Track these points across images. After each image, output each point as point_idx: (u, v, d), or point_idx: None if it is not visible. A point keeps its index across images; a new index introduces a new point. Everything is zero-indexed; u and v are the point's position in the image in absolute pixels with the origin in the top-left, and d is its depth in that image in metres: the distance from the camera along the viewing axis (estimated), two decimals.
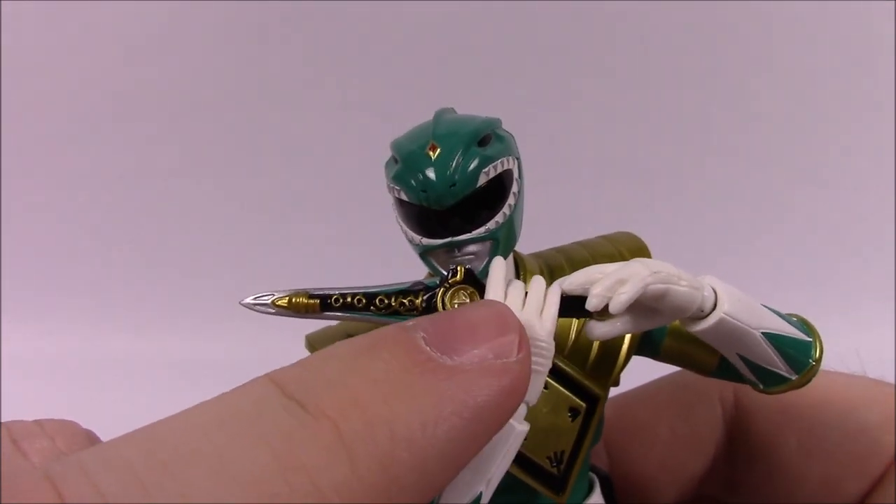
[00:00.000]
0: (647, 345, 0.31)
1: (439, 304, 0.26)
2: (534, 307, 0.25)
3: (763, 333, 0.27)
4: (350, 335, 0.29)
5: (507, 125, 0.29)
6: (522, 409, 0.24)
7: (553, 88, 0.84)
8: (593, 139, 0.86)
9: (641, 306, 0.25)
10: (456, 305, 0.26)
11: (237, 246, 0.90)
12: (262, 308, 0.27)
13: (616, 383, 0.31)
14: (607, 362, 0.30)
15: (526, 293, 0.25)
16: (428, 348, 0.21)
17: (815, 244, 0.86)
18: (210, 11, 0.85)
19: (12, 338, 0.87)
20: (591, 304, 0.25)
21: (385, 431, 0.19)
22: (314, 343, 0.30)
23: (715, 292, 0.26)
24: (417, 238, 0.27)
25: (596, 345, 0.30)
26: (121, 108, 0.88)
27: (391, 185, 0.27)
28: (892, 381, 0.35)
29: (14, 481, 0.17)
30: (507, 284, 0.26)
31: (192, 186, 0.90)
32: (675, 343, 0.31)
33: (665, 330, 0.31)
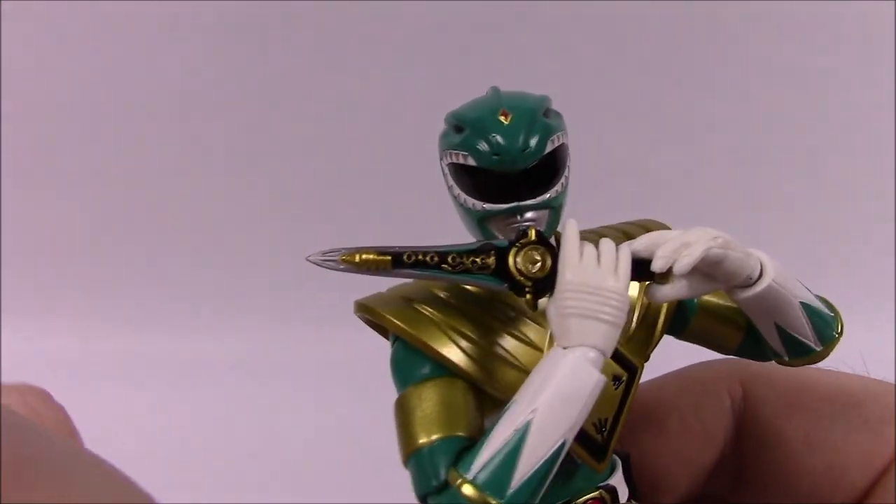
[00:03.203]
0: (676, 322, 0.32)
1: (511, 263, 0.27)
2: (609, 264, 0.26)
3: (801, 303, 0.29)
4: (408, 299, 0.29)
5: None
6: (601, 360, 0.25)
7: (553, 90, 0.84)
8: (592, 140, 0.86)
9: (698, 272, 0.27)
10: (528, 265, 0.27)
11: (238, 246, 0.90)
12: (331, 265, 0.27)
13: (647, 359, 0.31)
14: (644, 336, 0.31)
15: (598, 253, 0.27)
16: None
17: (815, 245, 0.86)
18: (211, 11, 0.85)
19: (12, 338, 0.87)
20: (658, 265, 0.26)
21: None
22: (370, 306, 0.29)
23: (761, 262, 0.28)
24: (479, 204, 0.28)
25: (634, 319, 0.30)
26: (121, 107, 0.88)
27: (454, 151, 0.28)
28: (893, 381, 0.36)
29: None
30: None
31: (193, 186, 0.90)
32: (702, 320, 0.32)
33: (695, 309, 0.32)
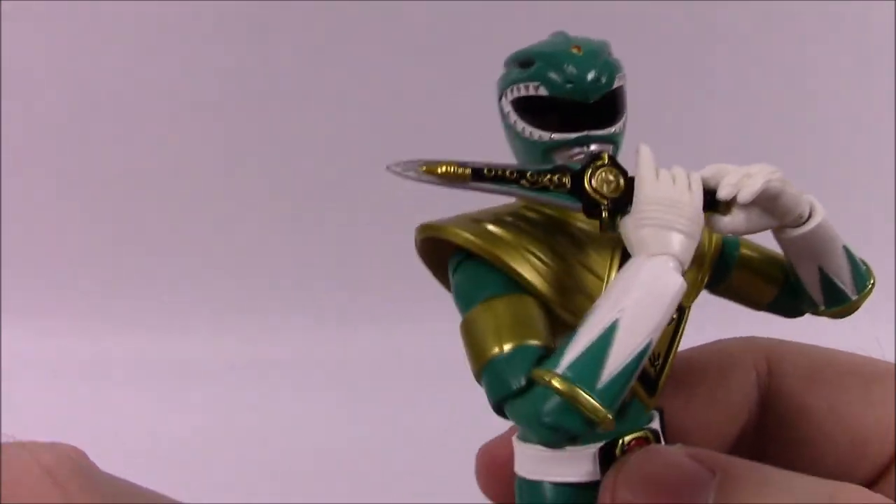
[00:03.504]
0: (718, 271, 0.32)
1: (586, 183, 0.28)
2: (683, 182, 0.28)
3: (843, 245, 0.30)
4: (476, 220, 0.29)
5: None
6: (680, 269, 0.26)
7: None
8: None
9: (756, 205, 0.28)
10: (602, 185, 0.28)
11: (239, 246, 0.90)
12: (412, 175, 0.27)
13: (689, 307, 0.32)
14: (692, 280, 0.31)
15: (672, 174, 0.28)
16: None
17: None
18: (211, 11, 0.85)
19: (12, 338, 0.87)
20: (724, 193, 0.28)
21: None
22: (438, 225, 0.29)
23: (811, 205, 0.29)
24: (546, 135, 0.28)
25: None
26: (121, 107, 0.88)
27: (521, 84, 0.28)
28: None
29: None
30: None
31: (194, 186, 0.90)
32: (740, 275, 0.33)
33: (734, 262, 0.33)
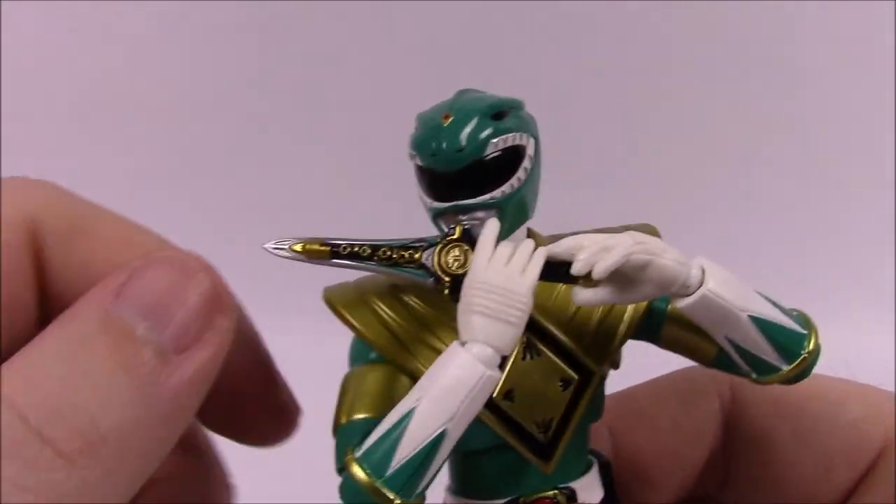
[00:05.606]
0: (646, 330, 0.31)
1: (434, 259, 0.28)
2: (518, 264, 0.27)
3: (750, 317, 0.27)
4: (364, 292, 0.31)
5: None
6: (495, 358, 0.26)
7: (555, 88, 0.84)
8: (593, 139, 0.86)
9: (626, 277, 0.27)
10: (450, 261, 0.28)
11: (237, 247, 0.90)
12: (281, 253, 0.29)
13: (615, 365, 0.31)
14: (605, 341, 0.30)
15: (512, 253, 0.27)
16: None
17: (814, 248, 0.86)
18: (211, 10, 0.85)
19: None
20: (576, 269, 0.26)
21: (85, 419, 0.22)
22: (330, 300, 0.31)
23: (703, 272, 0.27)
24: (429, 202, 0.29)
25: (595, 322, 0.30)
26: (121, 107, 0.88)
27: (410, 151, 0.29)
28: (893, 387, 0.36)
29: None
30: (497, 244, 0.27)
31: (192, 187, 0.90)
32: (673, 330, 0.31)
33: (664, 317, 0.31)
